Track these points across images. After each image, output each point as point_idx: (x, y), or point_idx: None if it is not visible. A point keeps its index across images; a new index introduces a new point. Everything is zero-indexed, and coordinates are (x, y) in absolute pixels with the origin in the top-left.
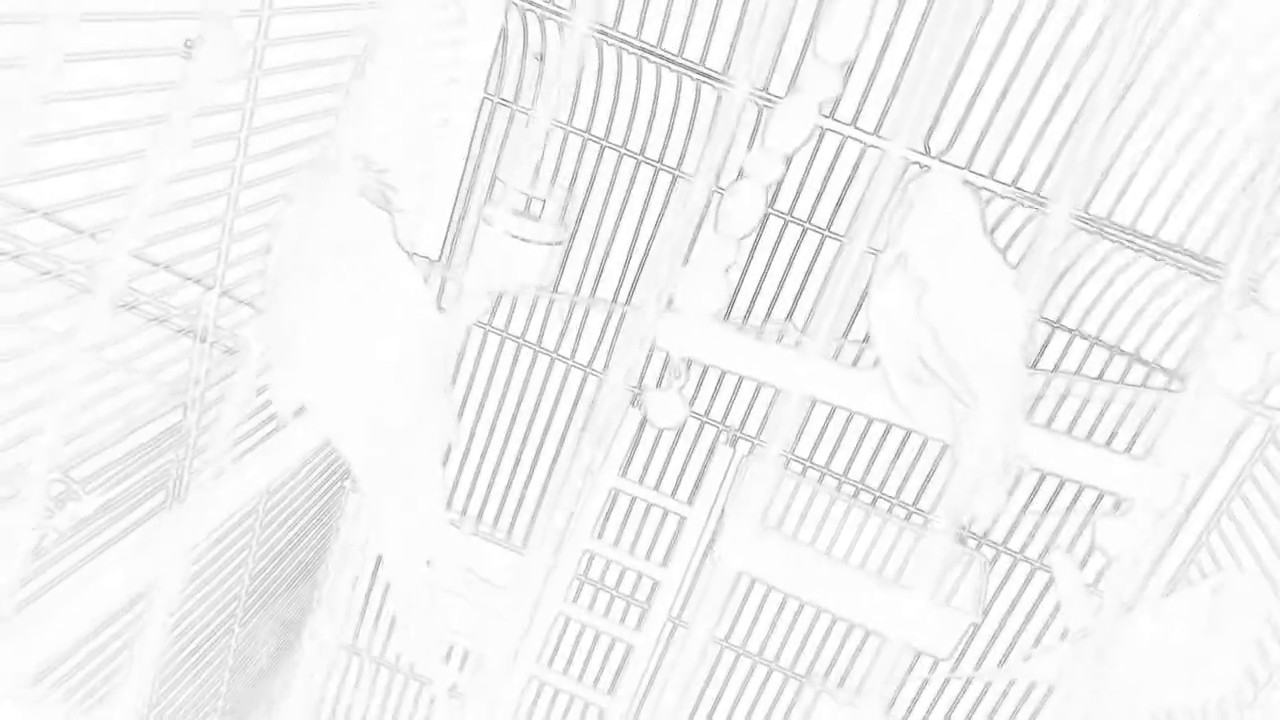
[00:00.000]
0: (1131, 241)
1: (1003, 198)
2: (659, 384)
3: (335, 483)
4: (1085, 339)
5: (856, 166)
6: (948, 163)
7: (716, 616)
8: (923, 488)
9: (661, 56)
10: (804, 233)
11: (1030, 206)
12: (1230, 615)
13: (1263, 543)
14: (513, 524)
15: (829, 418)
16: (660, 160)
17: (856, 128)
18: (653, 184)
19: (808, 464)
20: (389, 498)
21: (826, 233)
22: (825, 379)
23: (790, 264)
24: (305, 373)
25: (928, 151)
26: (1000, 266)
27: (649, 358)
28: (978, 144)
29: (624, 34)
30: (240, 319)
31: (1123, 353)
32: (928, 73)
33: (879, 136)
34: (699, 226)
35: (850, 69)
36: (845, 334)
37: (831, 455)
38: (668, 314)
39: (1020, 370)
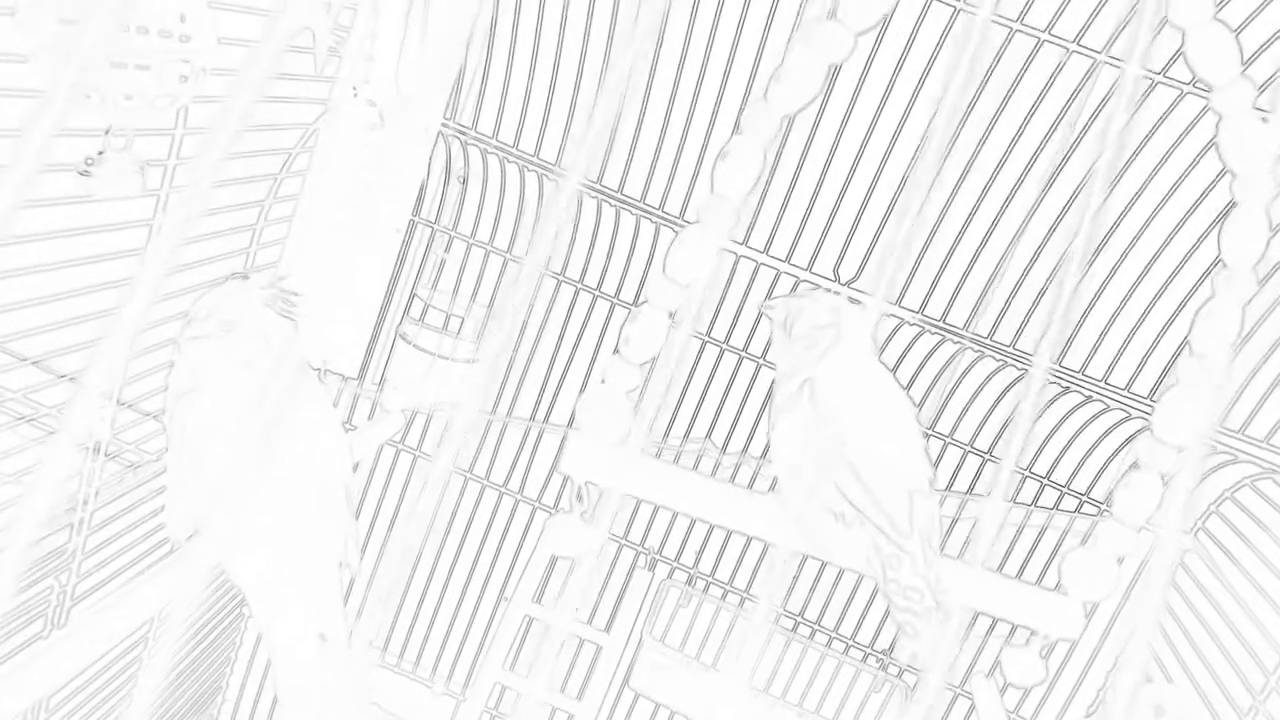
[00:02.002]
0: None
1: (910, 324)
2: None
3: (232, 610)
4: (977, 454)
5: (751, 284)
6: (859, 290)
7: None
8: (843, 613)
9: (595, 189)
10: (702, 346)
11: (936, 334)
12: None
13: (1175, 664)
14: (420, 654)
15: (764, 551)
16: (580, 280)
17: (762, 250)
18: (572, 304)
19: (727, 588)
20: (282, 623)
21: (727, 347)
22: (731, 505)
23: (709, 382)
24: (201, 494)
25: (837, 279)
26: (898, 393)
27: (562, 483)
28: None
29: (543, 160)
30: (145, 433)
31: (1035, 476)
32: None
33: (775, 257)
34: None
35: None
36: (745, 450)
37: (750, 581)
38: (571, 437)
39: (934, 501)
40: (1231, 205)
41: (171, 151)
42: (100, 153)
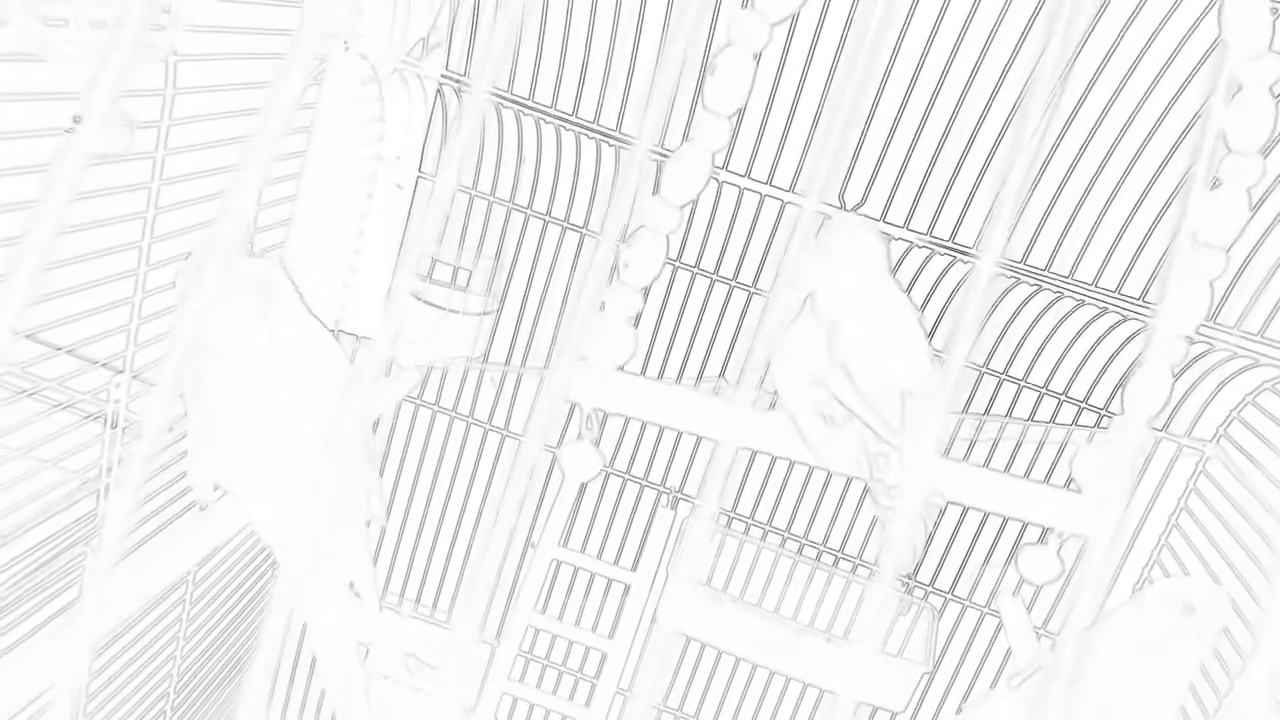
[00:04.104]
0: (1048, 282)
1: (919, 246)
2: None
3: (265, 569)
4: (994, 375)
5: (756, 217)
6: (864, 215)
7: (666, 686)
8: (866, 539)
9: (579, 125)
10: (712, 284)
11: (946, 254)
12: (1191, 623)
13: (1201, 571)
14: (453, 603)
15: (767, 473)
16: (585, 226)
17: (765, 181)
18: (579, 249)
19: (749, 521)
20: (314, 581)
21: (736, 284)
22: (735, 421)
23: (701, 315)
24: (222, 452)
25: (842, 205)
26: (905, 304)
27: (569, 415)
28: (891, 194)
29: (537, 102)
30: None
31: (1031, 386)
32: (836, 124)
33: (779, 188)
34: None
35: (742, 120)
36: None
37: (772, 512)
38: (578, 366)
39: (932, 404)
40: (1237, 89)
41: (164, 112)
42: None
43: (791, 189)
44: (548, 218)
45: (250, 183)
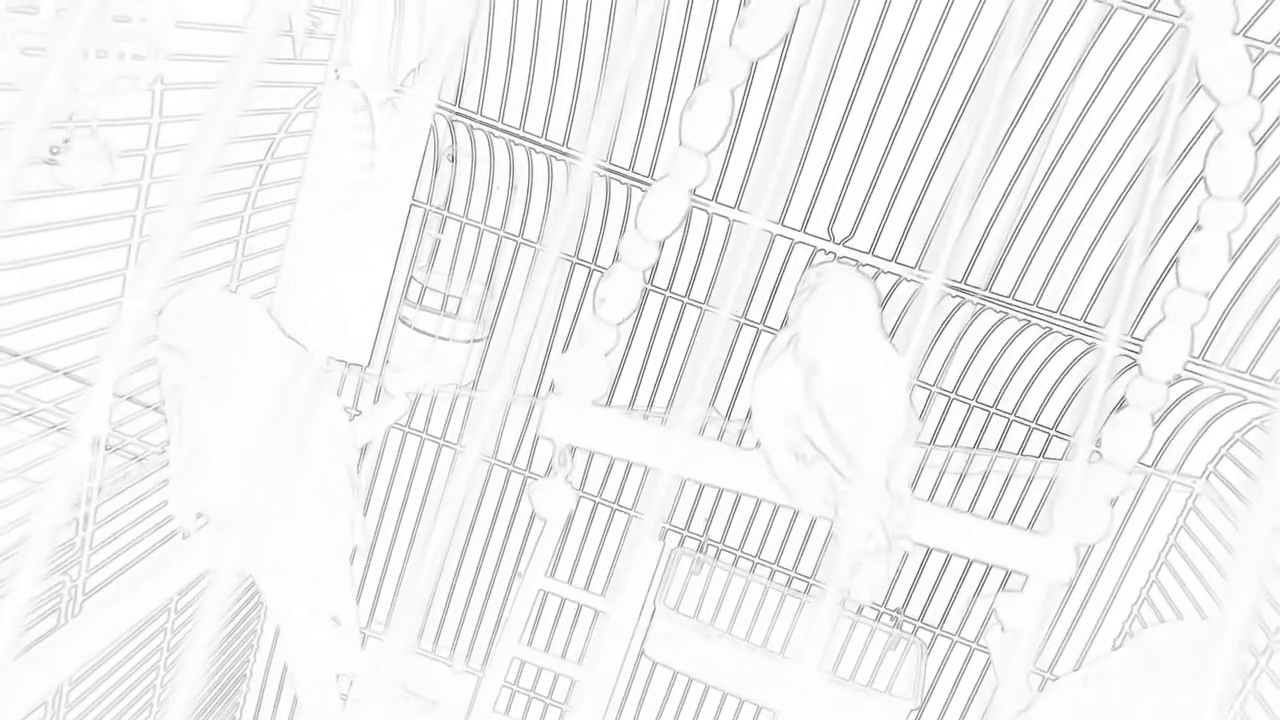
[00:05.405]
0: (1017, 310)
1: (886, 273)
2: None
3: (248, 598)
4: (982, 408)
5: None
6: (852, 248)
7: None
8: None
9: (560, 151)
10: (683, 308)
11: (913, 280)
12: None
13: (1191, 609)
14: (438, 633)
15: (756, 505)
16: (575, 255)
17: (719, 203)
18: (569, 278)
19: (738, 553)
20: (294, 608)
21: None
22: (711, 461)
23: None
24: (205, 480)
25: (832, 239)
26: (888, 350)
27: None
28: (856, 222)
29: (529, 133)
30: (148, 425)
31: (1020, 420)
32: (784, 148)
33: (744, 211)
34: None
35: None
36: (728, 413)
37: (761, 544)
38: (550, 400)
39: (906, 450)
40: (1218, 134)
41: (150, 140)
42: (66, 140)
43: (780, 221)
44: (537, 245)
45: (180, 215)
